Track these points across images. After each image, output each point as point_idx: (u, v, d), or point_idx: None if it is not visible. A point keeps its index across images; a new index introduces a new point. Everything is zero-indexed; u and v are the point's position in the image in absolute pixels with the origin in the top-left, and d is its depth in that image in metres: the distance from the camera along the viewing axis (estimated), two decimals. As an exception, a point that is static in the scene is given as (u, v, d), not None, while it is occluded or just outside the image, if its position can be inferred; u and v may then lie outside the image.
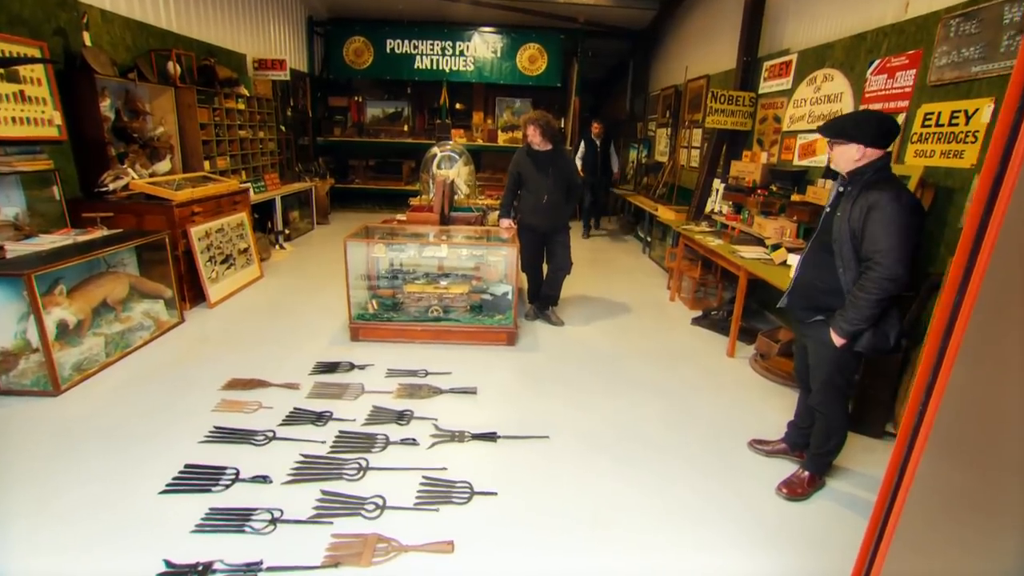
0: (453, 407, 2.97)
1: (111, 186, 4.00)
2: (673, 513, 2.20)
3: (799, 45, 4.33)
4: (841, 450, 2.36)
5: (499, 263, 4.04)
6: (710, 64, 6.11)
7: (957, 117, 2.89)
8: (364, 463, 2.39)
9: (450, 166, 4.78)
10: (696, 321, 4.48)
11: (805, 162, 4.16)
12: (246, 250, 4.89)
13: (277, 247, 6.25)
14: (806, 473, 2.40)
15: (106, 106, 4.17)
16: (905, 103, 3.21)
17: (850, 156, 2.08)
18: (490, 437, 2.67)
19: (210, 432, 2.60)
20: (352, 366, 3.38)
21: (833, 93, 3.82)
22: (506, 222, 4.16)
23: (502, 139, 9.23)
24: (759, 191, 4.48)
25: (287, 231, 6.69)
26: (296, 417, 2.76)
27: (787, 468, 2.54)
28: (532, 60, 8.81)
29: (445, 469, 2.40)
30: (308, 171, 8.03)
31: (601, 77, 11.59)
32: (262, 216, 6.22)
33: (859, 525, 2.20)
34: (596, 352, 3.82)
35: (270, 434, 2.58)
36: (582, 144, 7.60)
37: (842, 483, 2.47)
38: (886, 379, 2.83)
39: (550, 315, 4.39)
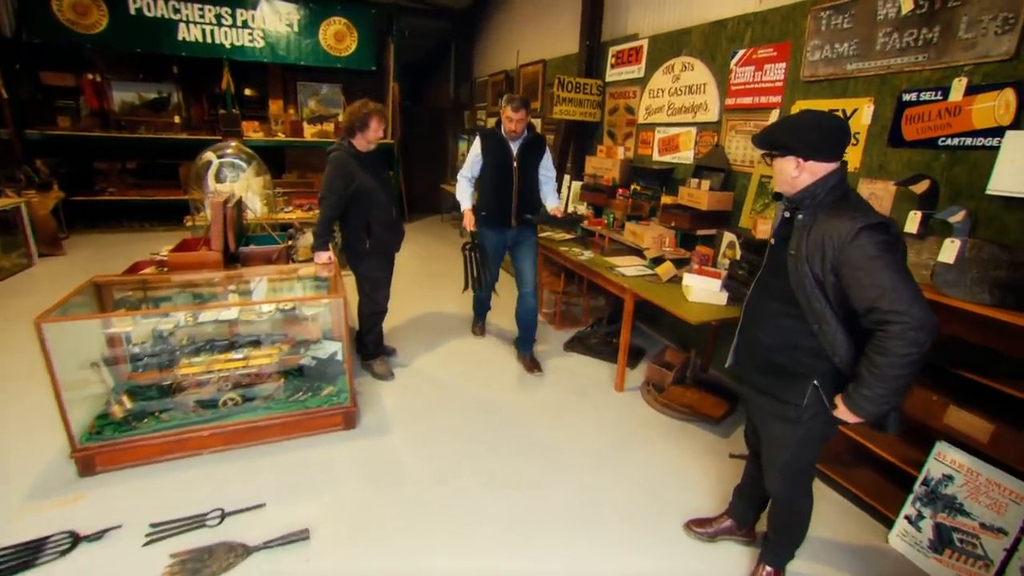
0: (271, 580, 1.86)
1: None
2: None
3: (648, 30, 3.93)
4: (806, 536, 1.89)
5: (321, 315, 2.90)
6: (546, 48, 5.56)
7: (835, 115, 2.64)
8: None
9: (235, 178, 3.40)
10: (569, 346, 3.90)
11: (667, 158, 3.78)
12: None
13: (-41, 305, 4.08)
14: (768, 569, 1.89)
15: None
16: (777, 98, 2.91)
17: (787, 173, 1.53)
18: (337, 638, 1.65)
19: None
20: (75, 539, 1.98)
21: (695, 84, 3.45)
22: (324, 255, 3.02)
23: (309, 132, 7.66)
24: (620, 191, 4.04)
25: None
26: None
27: (739, 555, 2.03)
28: (339, 38, 7.40)
29: None
30: (11, 180, 5.57)
31: (421, 60, 10.53)
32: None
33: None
34: (463, 416, 2.95)
35: None
36: (477, 144, 3.27)
37: (795, 561, 2.02)
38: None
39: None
